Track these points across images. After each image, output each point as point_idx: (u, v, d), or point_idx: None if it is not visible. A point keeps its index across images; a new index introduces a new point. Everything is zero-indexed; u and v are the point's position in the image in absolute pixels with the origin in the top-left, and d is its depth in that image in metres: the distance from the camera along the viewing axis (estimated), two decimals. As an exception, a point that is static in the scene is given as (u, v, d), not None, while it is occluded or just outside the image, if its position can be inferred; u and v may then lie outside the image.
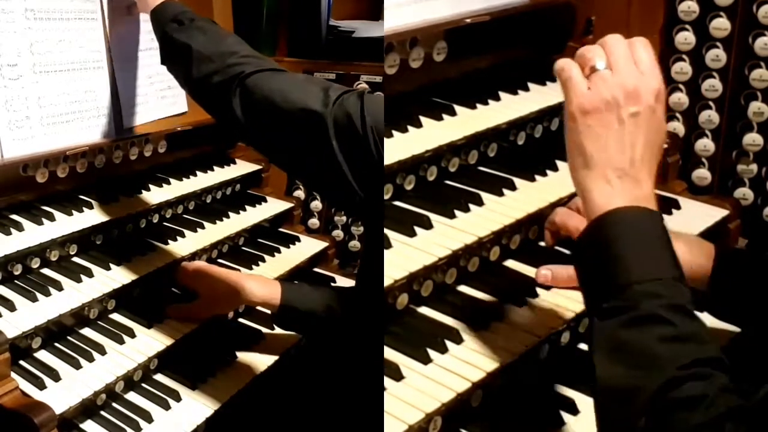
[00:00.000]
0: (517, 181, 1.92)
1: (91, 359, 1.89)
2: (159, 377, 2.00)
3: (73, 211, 2.21)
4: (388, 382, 1.45)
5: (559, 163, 2.01)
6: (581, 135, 1.32)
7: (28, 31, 2.11)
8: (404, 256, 1.63)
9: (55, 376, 1.80)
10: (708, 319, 1.80)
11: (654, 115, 1.32)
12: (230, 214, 2.64)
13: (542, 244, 1.88)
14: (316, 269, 2.70)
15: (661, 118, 1.34)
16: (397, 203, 1.81)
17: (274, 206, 2.82)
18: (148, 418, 1.84)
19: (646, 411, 1.12)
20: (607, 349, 1.21)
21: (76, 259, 2.15)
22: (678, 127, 2.43)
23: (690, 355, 1.15)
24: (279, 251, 2.62)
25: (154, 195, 2.48)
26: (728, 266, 1.64)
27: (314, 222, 3.05)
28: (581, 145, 1.32)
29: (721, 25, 2.33)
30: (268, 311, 2.19)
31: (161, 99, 2.59)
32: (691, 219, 2.06)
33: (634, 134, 1.30)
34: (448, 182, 1.92)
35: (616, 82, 1.31)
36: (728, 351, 1.69)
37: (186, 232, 2.43)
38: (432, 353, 1.52)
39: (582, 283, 1.33)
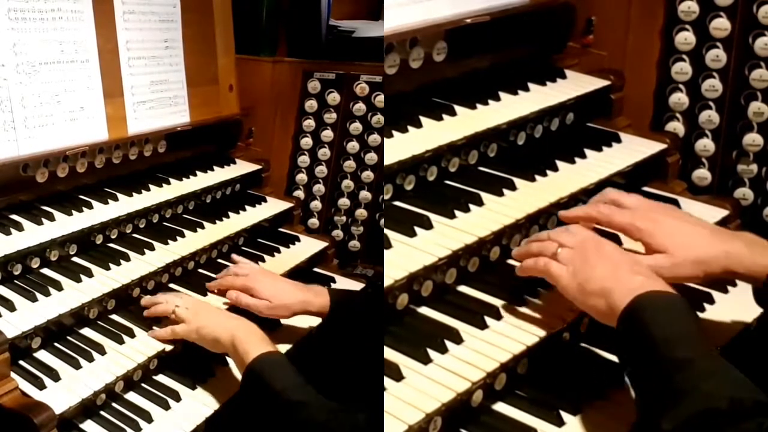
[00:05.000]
0: (517, 181, 1.92)
1: (91, 359, 1.89)
2: (159, 377, 2.00)
3: (73, 211, 2.22)
4: (388, 382, 1.45)
5: (559, 163, 2.01)
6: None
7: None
8: (404, 256, 1.63)
9: (55, 376, 1.80)
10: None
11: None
12: (230, 214, 2.64)
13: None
14: (315, 269, 2.69)
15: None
16: (397, 203, 1.81)
17: (273, 206, 2.82)
18: (148, 418, 1.84)
19: None
20: None
21: (75, 259, 2.16)
22: (678, 127, 2.42)
23: None
24: (279, 251, 2.62)
25: (154, 195, 2.48)
26: None
27: (314, 222, 3.05)
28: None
29: (721, 25, 2.33)
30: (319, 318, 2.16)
31: (163, 107, 2.60)
32: (691, 219, 2.06)
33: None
34: (448, 182, 1.92)
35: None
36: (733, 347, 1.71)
37: (186, 231, 2.43)
38: (432, 353, 1.52)
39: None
